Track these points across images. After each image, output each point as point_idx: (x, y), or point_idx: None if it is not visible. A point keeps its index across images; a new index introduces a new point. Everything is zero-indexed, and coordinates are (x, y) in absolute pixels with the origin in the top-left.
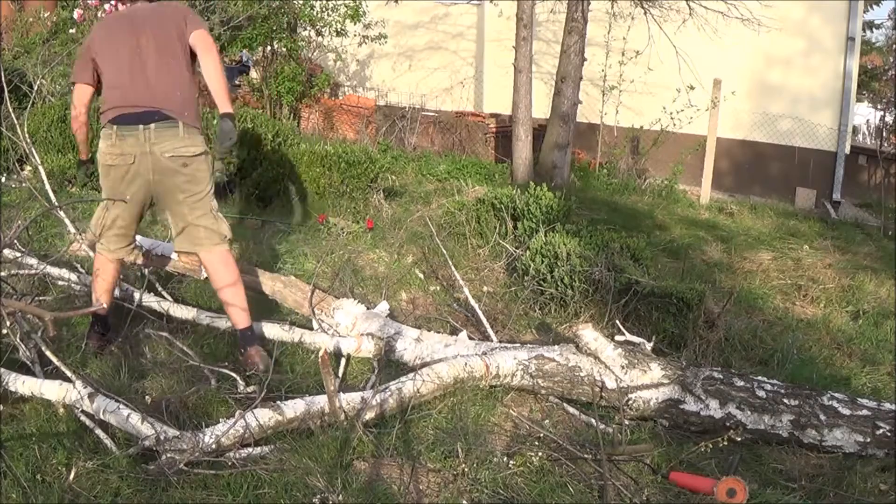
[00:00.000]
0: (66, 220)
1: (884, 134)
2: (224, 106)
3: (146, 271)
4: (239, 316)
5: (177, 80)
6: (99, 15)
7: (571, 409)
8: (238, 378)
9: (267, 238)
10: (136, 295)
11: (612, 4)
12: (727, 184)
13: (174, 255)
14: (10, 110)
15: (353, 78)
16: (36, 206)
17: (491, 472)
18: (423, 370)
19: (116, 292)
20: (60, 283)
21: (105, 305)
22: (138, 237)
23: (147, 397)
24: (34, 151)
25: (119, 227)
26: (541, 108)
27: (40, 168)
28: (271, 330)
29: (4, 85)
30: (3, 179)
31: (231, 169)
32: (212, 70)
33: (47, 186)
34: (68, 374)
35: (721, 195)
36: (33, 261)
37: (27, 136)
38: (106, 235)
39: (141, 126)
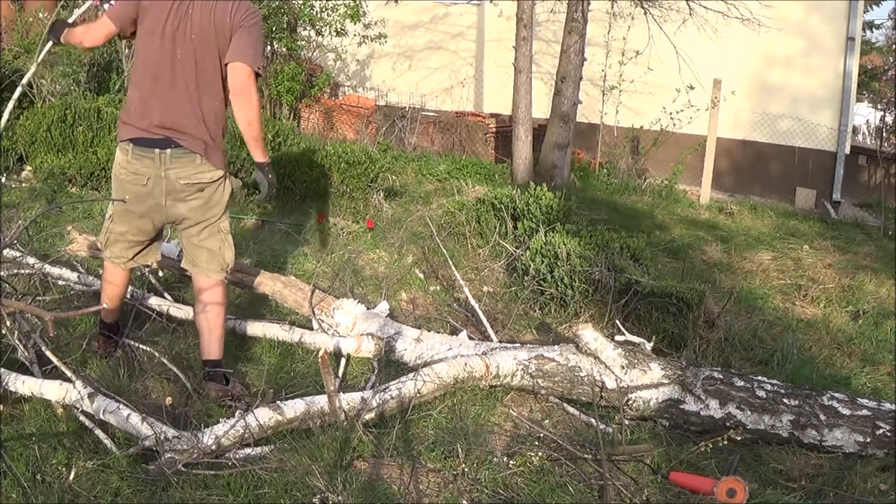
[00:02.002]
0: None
1: (884, 134)
2: (256, 155)
3: (146, 271)
4: (209, 348)
5: (201, 110)
6: (98, 15)
7: (571, 409)
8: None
9: (267, 238)
10: (140, 295)
11: (612, 4)
12: (727, 184)
13: (174, 255)
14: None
15: (353, 78)
16: (36, 206)
17: (491, 472)
18: (423, 370)
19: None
20: (60, 282)
21: (108, 306)
22: None
23: (168, 399)
24: None
25: (128, 240)
26: (541, 108)
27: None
28: (271, 330)
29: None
30: (3, 179)
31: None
32: (242, 117)
33: None
34: (68, 374)
35: (721, 195)
36: (33, 261)
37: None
38: (112, 248)
39: (157, 150)
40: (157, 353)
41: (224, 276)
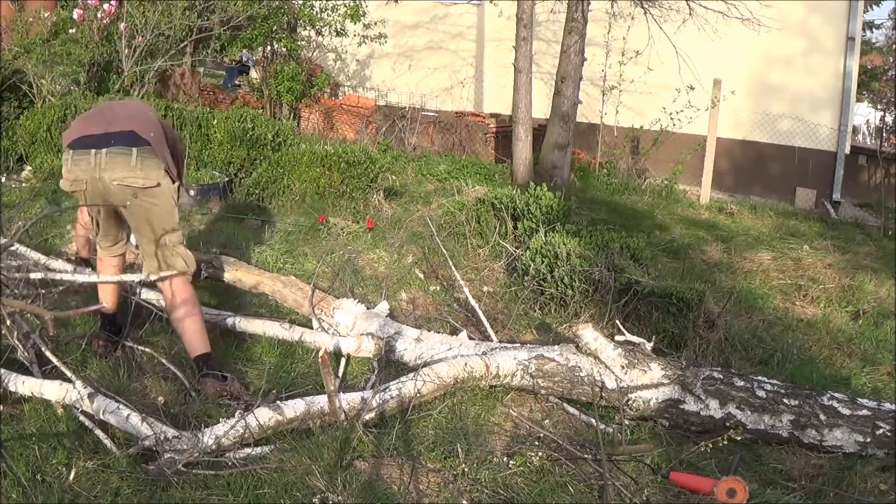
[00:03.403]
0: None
1: (884, 134)
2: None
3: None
4: (192, 344)
5: (143, 115)
6: (98, 15)
7: (571, 409)
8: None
9: (267, 238)
10: (137, 293)
11: (612, 4)
12: (727, 184)
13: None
14: None
15: (353, 78)
16: (36, 206)
17: (491, 472)
18: (423, 370)
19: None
20: (60, 283)
21: (107, 305)
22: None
23: (160, 398)
24: None
25: (103, 228)
26: (541, 108)
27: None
28: (271, 328)
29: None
30: (3, 179)
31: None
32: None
33: None
34: (68, 374)
35: (721, 195)
36: (36, 255)
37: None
38: (100, 233)
39: (93, 151)
40: (155, 354)
41: (185, 277)
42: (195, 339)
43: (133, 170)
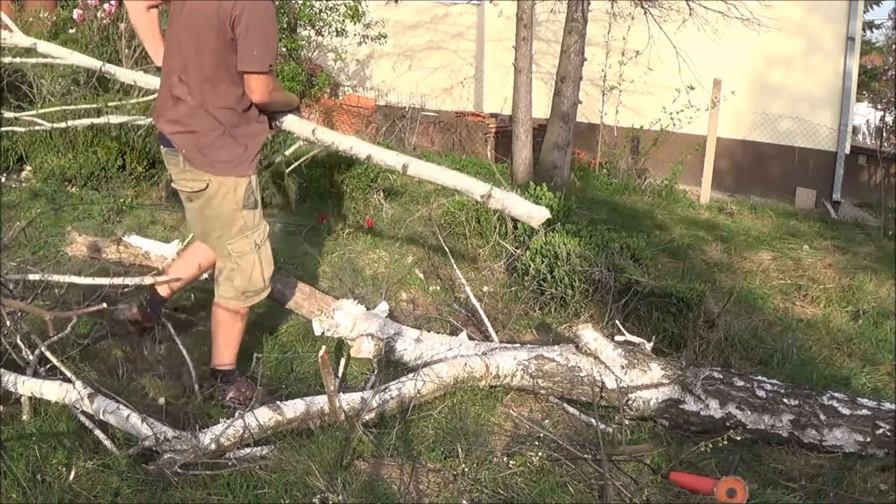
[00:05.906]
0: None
1: (884, 134)
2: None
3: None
4: (217, 353)
5: (193, 114)
6: (98, 15)
7: (571, 409)
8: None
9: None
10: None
11: (612, 4)
12: (727, 184)
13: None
14: None
15: (353, 78)
16: (36, 206)
17: (491, 472)
18: (423, 370)
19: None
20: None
21: (164, 290)
22: (139, 238)
23: (161, 399)
24: None
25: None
26: (541, 108)
27: None
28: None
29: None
30: (3, 179)
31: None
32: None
33: None
34: (68, 374)
35: (721, 195)
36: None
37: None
38: None
39: (163, 147)
40: (181, 347)
41: (240, 305)
42: (221, 349)
43: (183, 172)
